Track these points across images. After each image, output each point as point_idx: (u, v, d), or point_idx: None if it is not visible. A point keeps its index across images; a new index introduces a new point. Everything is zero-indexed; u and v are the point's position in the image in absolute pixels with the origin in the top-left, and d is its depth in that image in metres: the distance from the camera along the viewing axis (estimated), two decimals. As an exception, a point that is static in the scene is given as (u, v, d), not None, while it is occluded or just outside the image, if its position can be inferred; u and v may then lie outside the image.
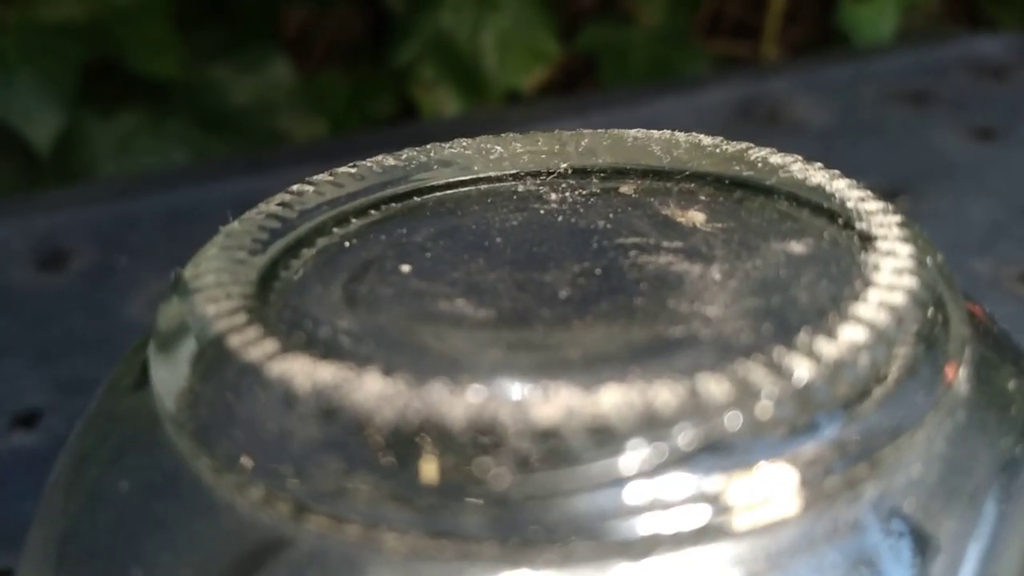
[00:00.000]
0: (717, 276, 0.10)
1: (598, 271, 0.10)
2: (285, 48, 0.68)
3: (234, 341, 0.08)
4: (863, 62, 0.49)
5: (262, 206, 0.10)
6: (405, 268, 0.10)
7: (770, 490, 0.07)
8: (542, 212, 0.11)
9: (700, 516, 0.07)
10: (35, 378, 0.31)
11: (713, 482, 0.07)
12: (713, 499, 0.07)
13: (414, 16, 0.62)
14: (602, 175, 0.12)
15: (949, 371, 0.09)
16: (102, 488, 0.10)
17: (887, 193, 0.38)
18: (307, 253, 0.10)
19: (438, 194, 0.11)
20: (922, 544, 0.08)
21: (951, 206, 0.37)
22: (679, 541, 0.07)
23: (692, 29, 0.70)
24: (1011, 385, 0.10)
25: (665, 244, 0.10)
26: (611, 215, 0.11)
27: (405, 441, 0.07)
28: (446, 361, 0.09)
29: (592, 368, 0.08)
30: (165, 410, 0.09)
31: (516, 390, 0.07)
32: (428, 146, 0.11)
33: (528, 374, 0.08)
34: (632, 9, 0.66)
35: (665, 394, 0.07)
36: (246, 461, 0.08)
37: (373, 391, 0.07)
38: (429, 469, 0.07)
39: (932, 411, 0.08)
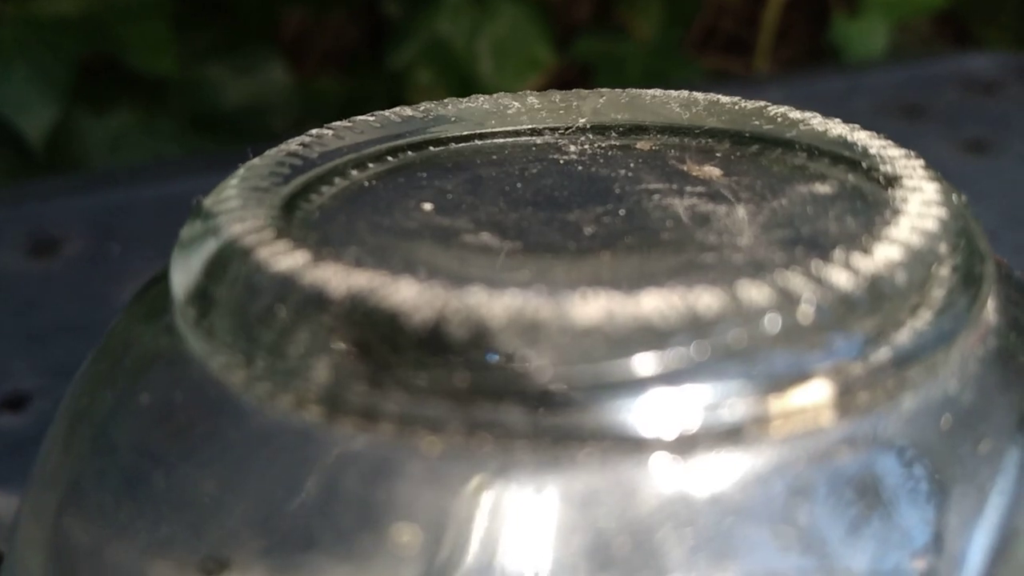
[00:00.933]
0: (743, 214, 0.10)
1: (622, 212, 0.10)
2: (282, 51, 0.68)
3: (263, 252, 0.08)
4: (856, 76, 0.49)
5: (282, 146, 0.10)
6: (427, 206, 0.10)
7: (808, 397, 0.07)
8: (562, 162, 0.11)
9: (738, 418, 0.07)
10: (24, 362, 0.31)
11: (753, 386, 0.07)
12: (752, 403, 0.07)
13: (411, 21, 0.62)
14: (620, 130, 0.12)
15: (981, 297, 0.09)
16: (122, 405, 0.09)
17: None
18: (328, 190, 0.10)
19: (456, 145, 0.11)
20: (953, 463, 0.08)
21: (943, 215, 0.38)
22: (716, 442, 0.07)
23: (686, 44, 0.70)
24: None
25: (688, 189, 0.10)
26: (632, 165, 0.11)
27: (444, 338, 0.07)
28: (479, 276, 0.08)
29: (630, 281, 0.08)
30: (193, 324, 0.08)
31: (555, 293, 0.07)
32: (446, 100, 0.11)
33: (564, 285, 0.08)
34: (627, 22, 0.66)
35: (707, 297, 0.07)
36: (279, 365, 0.08)
37: (410, 293, 0.07)
38: (468, 366, 0.07)
39: (966, 332, 0.08)
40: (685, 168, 0.11)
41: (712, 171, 0.11)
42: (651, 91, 0.12)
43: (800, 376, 0.07)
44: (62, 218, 0.38)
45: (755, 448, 0.07)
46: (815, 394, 0.07)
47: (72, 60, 0.54)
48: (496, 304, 0.07)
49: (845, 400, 0.07)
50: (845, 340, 0.07)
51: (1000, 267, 0.10)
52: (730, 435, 0.07)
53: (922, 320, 0.08)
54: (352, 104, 0.71)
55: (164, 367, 0.09)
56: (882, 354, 0.08)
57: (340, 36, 0.74)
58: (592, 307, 0.07)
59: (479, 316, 0.07)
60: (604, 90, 0.12)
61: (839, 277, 0.08)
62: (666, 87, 0.58)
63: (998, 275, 0.10)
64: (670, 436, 0.07)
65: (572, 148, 0.11)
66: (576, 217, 0.10)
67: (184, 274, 0.09)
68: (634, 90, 0.12)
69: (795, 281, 0.08)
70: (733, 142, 0.11)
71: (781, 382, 0.07)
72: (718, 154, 0.11)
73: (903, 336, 0.08)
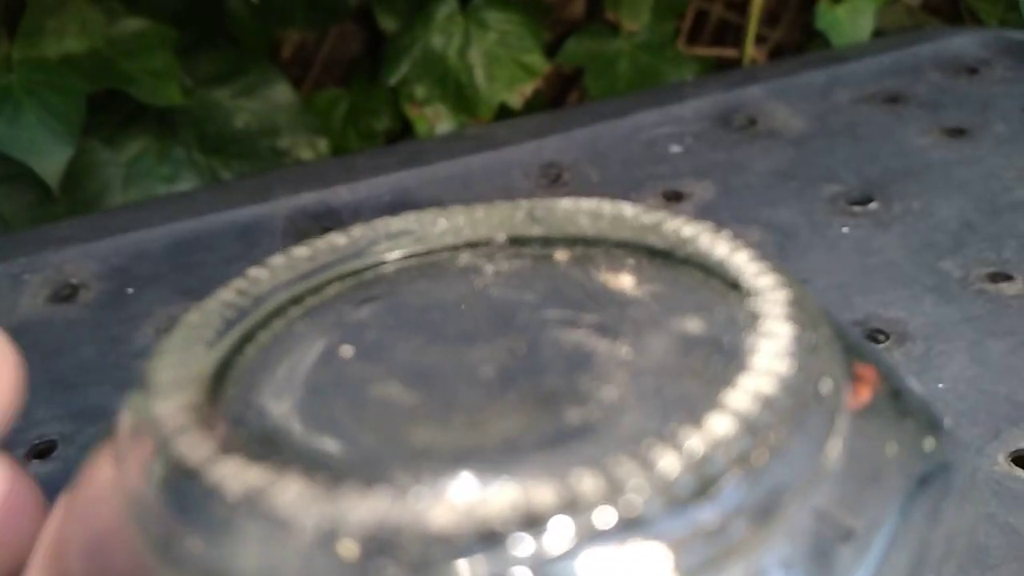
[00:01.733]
0: (622, 355, 0.11)
1: (519, 348, 0.11)
2: (283, 69, 0.69)
3: (180, 444, 0.09)
4: (838, 66, 0.50)
5: (220, 293, 0.11)
6: (347, 351, 0.11)
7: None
8: (478, 284, 0.12)
9: None
10: (49, 409, 0.32)
11: (588, 570, 0.08)
12: None
13: (405, 36, 0.63)
14: (535, 245, 0.12)
15: (818, 451, 0.09)
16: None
17: (860, 196, 0.39)
18: (262, 337, 0.11)
19: (385, 268, 0.12)
20: None
21: (923, 207, 0.38)
22: None
23: (676, 33, 0.71)
24: (889, 451, 0.10)
25: (583, 318, 0.11)
26: (539, 286, 0.12)
27: (320, 541, 0.08)
28: (366, 457, 0.10)
29: (492, 460, 0.09)
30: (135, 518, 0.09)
31: (416, 494, 0.08)
32: (376, 221, 0.12)
33: (437, 469, 0.09)
34: (617, 19, 0.66)
35: (543, 493, 0.08)
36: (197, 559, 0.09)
37: (291, 496, 0.08)
38: (340, 569, 0.08)
39: (798, 491, 0.09)
40: (588, 286, 0.12)
41: (614, 286, 0.12)
42: (564, 202, 0.13)
43: (630, 556, 0.08)
44: (79, 263, 0.39)
45: None
46: (644, 570, 0.08)
47: (81, 98, 0.55)
48: (364, 509, 0.08)
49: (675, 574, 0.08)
50: (672, 519, 0.08)
51: (865, 388, 0.10)
52: None
53: (751, 487, 0.09)
54: (356, 117, 0.73)
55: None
56: (709, 525, 0.08)
57: (339, 51, 0.75)
58: (443, 511, 0.08)
59: (346, 522, 0.08)
60: (523, 203, 0.13)
61: (666, 461, 0.08)
62: (657, 84, 0.59)
63: (857, 403, 0.10)
64: None
65: (489, 267, 0.12)
66: (479, 356, 0.11)
67: (126, 462, 0.10)
68: (550, 201, 0.12)
69: (625, 469, 0.08)
70: (636, 257, 0.12)
71: (613, 564, 0.08)
72: (622, 268, 0.12)
73: (730, 505, 0.09)
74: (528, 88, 0.62)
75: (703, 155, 0.44)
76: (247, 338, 0.11)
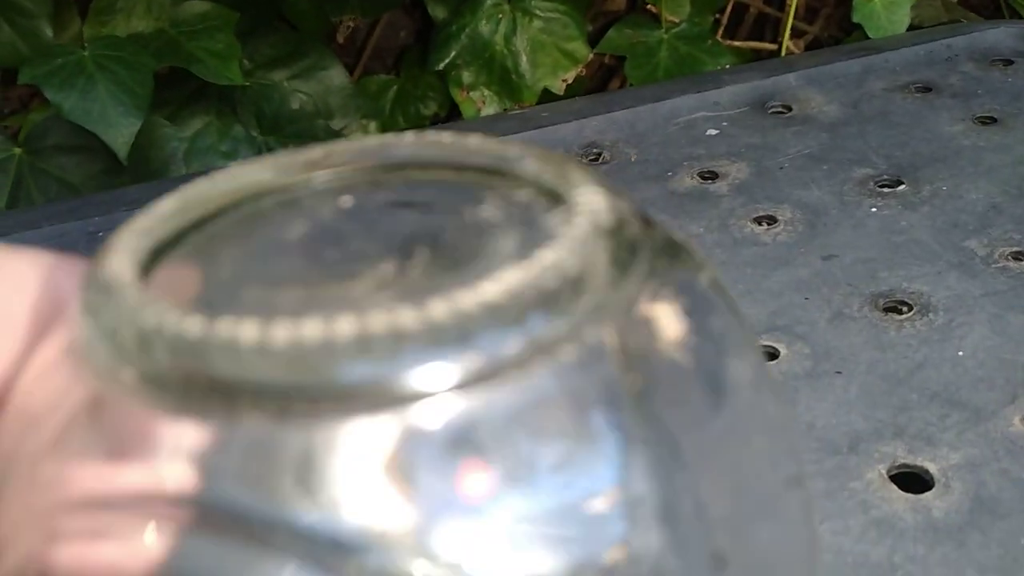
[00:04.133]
0: (448, 236, 0.13)
1: (370, 245, 0.13)
2: (337, 54, 0.70)
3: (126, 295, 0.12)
4: (873, 56, 0.50)
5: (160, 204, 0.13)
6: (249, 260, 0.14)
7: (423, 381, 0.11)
8: (339, 203, 0.14)
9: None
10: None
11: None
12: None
13: (453, 23, 0.64)
14: (379, 170, 0.15)
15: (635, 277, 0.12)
16: None
17: (890, 179, 0.39)
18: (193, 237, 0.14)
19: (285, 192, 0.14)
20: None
21: (951, 190, 0.38)
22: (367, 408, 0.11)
23: (716, 27, 0.71)
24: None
25: (422, 216, 0.14)
26: (380, 199, 0.14)
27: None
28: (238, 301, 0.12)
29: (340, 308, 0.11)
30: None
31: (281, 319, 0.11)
32: (282, 152, 0.14)
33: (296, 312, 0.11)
34: (658, 10, 0.67)
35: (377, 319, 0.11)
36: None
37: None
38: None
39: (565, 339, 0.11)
40: (417, 197, 0.14)
41: (434, 196, 0.14)
42: (407, 134, 0.15)
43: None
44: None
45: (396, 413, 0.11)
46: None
47: (149, 74, 0.57)
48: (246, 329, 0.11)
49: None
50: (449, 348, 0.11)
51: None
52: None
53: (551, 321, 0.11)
54: (405, 101, 0.74)
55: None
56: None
57: (389, 39, 0.76)
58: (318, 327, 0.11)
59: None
60: (387, 136, 0.15)
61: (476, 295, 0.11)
62: (695, 73, 0.59)
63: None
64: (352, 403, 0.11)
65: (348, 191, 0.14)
66: (341, 250, 0.13)
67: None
68: (390, 135, 0.15)
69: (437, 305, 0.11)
70: (453, 171, 0.14)
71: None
72: (439, 182, 0.14)
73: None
74: (570, 75, 0.63)
75: (738, 138, 0.44)
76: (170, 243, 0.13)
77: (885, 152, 0.42)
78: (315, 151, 0.14)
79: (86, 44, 0.59)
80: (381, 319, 0.10)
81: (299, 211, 0.14)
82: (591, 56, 0.66)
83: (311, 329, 0.10)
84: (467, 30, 0.64)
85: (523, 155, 0.13)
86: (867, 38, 0.61)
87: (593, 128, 0.46)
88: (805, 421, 0.27)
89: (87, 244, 0.39)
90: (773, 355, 0.30)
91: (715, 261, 0.35)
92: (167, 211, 0.13)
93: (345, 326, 0.10)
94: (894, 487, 0.24)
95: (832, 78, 0.48)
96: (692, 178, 0.41)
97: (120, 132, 0.55)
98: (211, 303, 0.12)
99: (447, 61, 0.65)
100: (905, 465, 0.25)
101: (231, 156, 0.68)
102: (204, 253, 0.13)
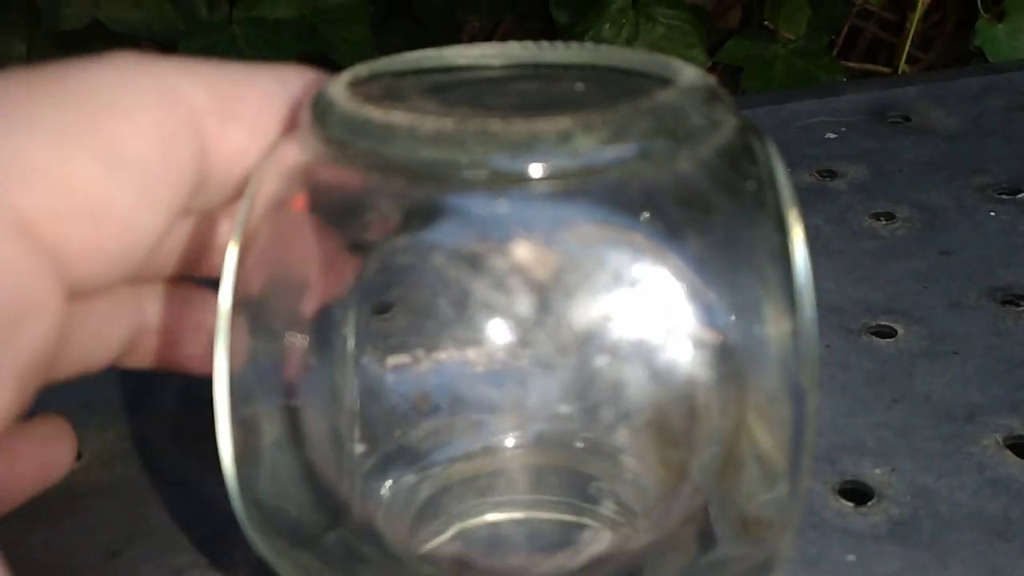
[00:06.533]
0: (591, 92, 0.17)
1: (536, 94, 0.17)
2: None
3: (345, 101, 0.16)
4: (995, 75, 0.50)
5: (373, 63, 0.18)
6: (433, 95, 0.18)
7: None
8: (508, 78, 0.18)
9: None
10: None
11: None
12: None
13: (577, 26, 0.67)
14: (547, 66, 0.18)
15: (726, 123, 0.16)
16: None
17: (1009, 187, 0.40)
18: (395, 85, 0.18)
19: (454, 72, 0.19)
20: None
21: (1070, 201, 0.39)
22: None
23: (831, 47, 0.72)
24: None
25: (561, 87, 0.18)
26: (545, 75, 0.18)
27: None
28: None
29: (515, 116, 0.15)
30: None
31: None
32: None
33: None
34: (775, 27, 0.68)
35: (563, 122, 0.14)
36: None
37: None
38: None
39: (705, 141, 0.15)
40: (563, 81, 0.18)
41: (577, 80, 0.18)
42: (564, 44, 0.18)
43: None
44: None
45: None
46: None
47: (291, 57, 0.61)
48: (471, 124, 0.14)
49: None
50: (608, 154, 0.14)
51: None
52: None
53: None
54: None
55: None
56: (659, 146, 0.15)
57: (511, 38, 0.79)
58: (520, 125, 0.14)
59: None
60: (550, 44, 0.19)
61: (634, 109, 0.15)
62: (811, 86, 0.61)
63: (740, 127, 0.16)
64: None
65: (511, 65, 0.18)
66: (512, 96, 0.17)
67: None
68: (559, 44, 0.18)
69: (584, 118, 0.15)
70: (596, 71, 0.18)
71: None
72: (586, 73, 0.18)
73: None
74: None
75: (857, 143, 0.45)
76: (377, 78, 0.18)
77: (1005, 164, 0.42)
78: (490, 46, 0.18)
79: (234, 24, 0.63)
80: (516, 123, 0.14)
81: (469, 75, 0.18)
82: (708, 64, 0.67)
83: (449, 122, 0.14)
84: (590, 33, 0.66)
85: (642, 57, 0.18)
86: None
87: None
88: (922, 393, 0.28)
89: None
90: (890, 334, 0.31)
91: (833, 250, 0.36)
92: (379, 64, 0.18)
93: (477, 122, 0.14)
94: (1009, 453, 0.25)
95: (952, 94, 0.49)
96: (811, 175, 0.42)
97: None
98: (390, 104, 0.16)
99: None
100: (1021, 437, 0.26)
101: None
102: (394, 85, 0.18)
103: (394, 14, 0.72)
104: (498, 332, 0.18)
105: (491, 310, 0.18)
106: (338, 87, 0.17)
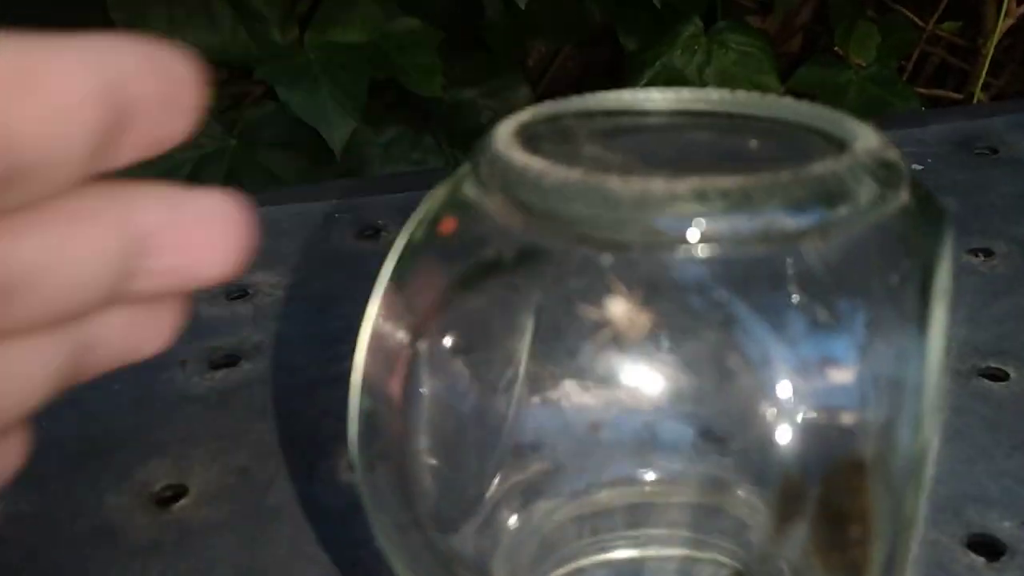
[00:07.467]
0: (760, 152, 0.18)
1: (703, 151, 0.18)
2: (526, 78, 0.73)
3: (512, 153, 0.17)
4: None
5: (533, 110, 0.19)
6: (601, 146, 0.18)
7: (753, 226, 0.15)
8: (676, 126, 0.19)
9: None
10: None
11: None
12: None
13: (648, 51, 0.66)
14: (715, 115, 0.19)
15: (897, 198, 0.16)
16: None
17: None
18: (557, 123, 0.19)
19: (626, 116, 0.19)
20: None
21: None
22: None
23: (900, 71, 0.70)
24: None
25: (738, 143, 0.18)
26: (714, 128, 0.19)
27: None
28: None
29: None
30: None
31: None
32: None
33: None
34: (845, 52, 0.67)
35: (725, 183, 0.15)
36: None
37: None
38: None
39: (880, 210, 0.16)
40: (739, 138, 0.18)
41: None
42: (735, 92, 0.19)
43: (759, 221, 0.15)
44: (380, 210, 0.43)
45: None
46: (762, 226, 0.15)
47: (364, 79, 0.61)
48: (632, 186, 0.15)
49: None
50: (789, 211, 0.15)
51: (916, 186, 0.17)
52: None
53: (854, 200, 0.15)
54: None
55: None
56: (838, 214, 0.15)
57: (576, 66, 0.78)
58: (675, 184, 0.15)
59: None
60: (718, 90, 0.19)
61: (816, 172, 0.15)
62: (884, 113, 0.60)
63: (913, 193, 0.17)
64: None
65: (682, 116, 0.19)
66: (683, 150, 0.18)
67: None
68: (726, 91, 0.19)
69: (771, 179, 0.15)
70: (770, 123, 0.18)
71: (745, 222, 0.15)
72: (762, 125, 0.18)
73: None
74: (760, 107, 0.63)
75: (945, 174, 0.44)
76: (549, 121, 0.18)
77: (1102, 198, 0.41)
78: (664, 92, 0.18)
79: (307, 49, 0.64)
80: (683, 183, 0.14)
81: (638, 123, 0.19)
82: (781, 91, 0.67)
83: (609, 181, 0.14)
84: (662, 59, 0.66)
85: (814, 112, 0.18)
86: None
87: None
88: (1041, 439, 0.27)
89: (324, 224, 0.42)
90: (1002, 377, 0.30)
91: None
92: (544, 109, 0.19)
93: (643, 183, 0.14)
94: None
95: (1021, 126, 0.48)
96: (901, 208, 0.41)
97: (338, 130, 0.59)
98: (552, 157, 0.16)
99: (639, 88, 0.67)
100: None
101: (420, 164, 0.71)
102: (562, 133, 0.18)
103: (462, 41, 0.72)
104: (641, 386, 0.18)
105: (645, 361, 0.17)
106: (501, 131, 0.17)
